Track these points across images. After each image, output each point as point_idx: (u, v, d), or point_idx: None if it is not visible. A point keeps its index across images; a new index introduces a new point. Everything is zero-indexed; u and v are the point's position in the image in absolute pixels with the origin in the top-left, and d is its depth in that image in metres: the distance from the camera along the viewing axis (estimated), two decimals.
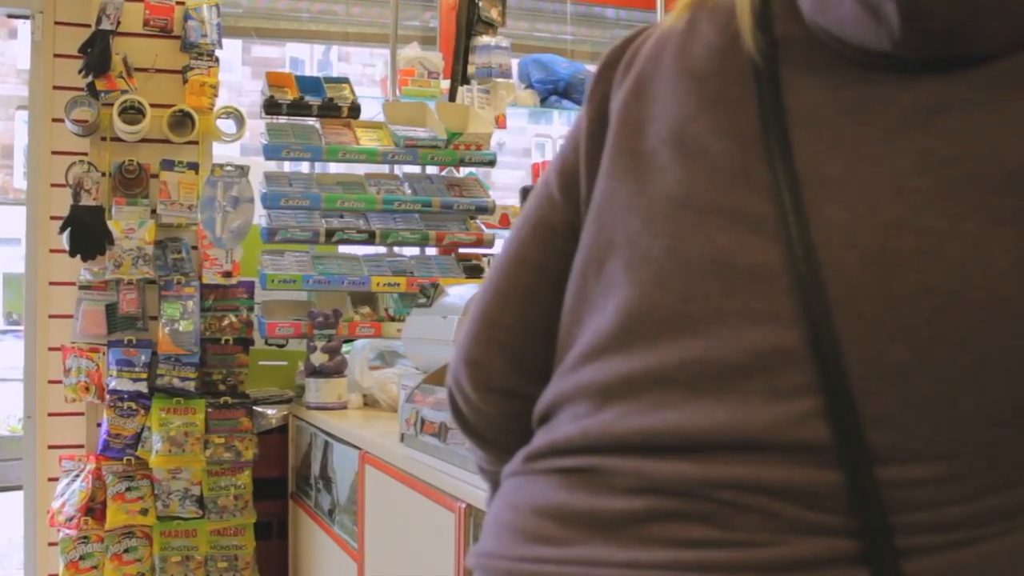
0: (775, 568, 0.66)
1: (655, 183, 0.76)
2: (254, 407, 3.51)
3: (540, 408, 0.84)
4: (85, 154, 3.73)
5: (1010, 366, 0.64)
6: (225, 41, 4.05)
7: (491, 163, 3.99)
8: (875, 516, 0.65)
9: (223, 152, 4.03)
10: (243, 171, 3.76)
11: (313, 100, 3.87)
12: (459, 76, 4.65)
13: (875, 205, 0.66)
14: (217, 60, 3.85)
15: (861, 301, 0.66)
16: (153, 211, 3.73)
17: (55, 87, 3.78)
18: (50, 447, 3.75)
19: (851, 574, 0.65)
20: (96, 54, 3.63)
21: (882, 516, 0.65)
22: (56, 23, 3.81)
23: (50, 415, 3.76)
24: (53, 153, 3.79)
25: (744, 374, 0.69)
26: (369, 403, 3.23)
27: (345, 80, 4.14)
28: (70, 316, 3.73)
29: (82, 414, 3.76)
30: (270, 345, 3.57)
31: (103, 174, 3.70)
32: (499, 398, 0.92)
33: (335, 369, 3.21)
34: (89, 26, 3.68)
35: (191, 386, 3.48)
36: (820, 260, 0.67)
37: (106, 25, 3.65)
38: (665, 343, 0.72)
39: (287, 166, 4.11)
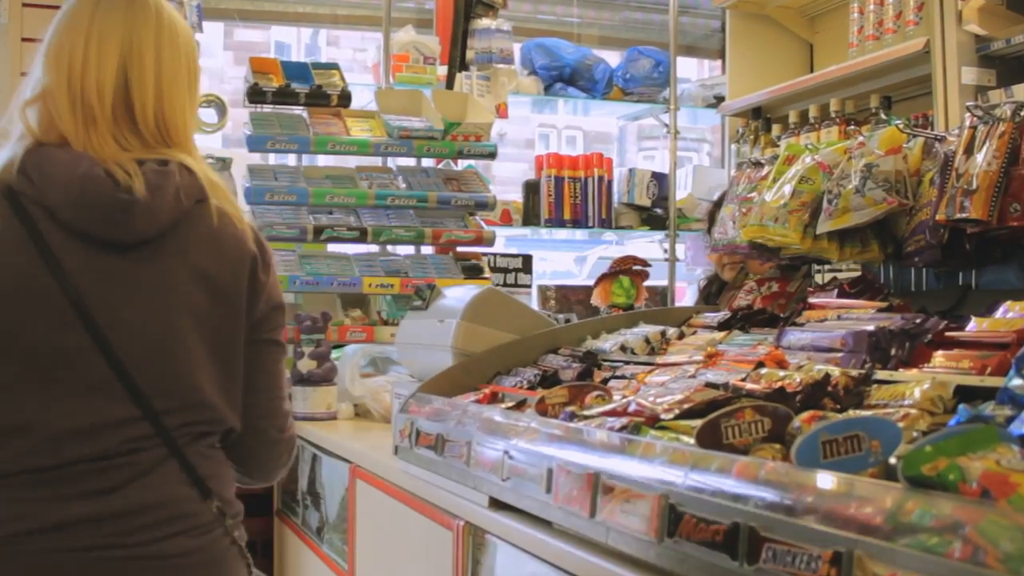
0: None
1: None
2: None
3: None
4: None
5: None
6: (206, 24, 4.05)
7: (491, 155, 3.99)
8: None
9: (203, 143, 4.02)
10: (225, 164, 3.76)
11: (300, 87, 3.86)
12: (457, 62, 4.65)
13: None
14: (198, 45, 3.85)
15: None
16: None
17: (23, 74, 3.78)
18: None
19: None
20: None
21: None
22: (24, 4, 3.82)
23: None
24: None
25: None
26: (360, 413, 3.23)
27: (334, 66, 4.14)
28: None
29: None
30: None
31: None
32: None
33: (324, 377, 3.20)
34: (59, 8, 3.69)
35: None
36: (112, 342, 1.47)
37: None
38: None
39: (272, 158, 4.11)
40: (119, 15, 1.54)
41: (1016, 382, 1.25)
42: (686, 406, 1.48)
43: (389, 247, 3.88)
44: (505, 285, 4.60)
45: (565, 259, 9.96)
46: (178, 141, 1.54)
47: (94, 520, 1.42)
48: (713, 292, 3.90)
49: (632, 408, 1.55)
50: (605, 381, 2.01)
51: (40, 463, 1.42)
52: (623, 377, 2.01)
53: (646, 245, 5.36)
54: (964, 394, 1.37)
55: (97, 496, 1.42)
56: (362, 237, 3.65)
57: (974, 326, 1.59)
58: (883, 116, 3.72)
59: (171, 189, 1.47)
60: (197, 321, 1.50)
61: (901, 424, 1.25)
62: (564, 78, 5.21)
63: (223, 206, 1.54)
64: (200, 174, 1.53)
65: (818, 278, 2.72)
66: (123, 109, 1.51)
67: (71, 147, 1.48)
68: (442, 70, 4.66)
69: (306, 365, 3.19)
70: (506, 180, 6.81)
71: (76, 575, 1.41)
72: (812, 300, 2.10)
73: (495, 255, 4.59)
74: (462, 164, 4.31)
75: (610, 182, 5.11)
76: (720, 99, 5.23)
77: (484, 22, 4.75)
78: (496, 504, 1.73)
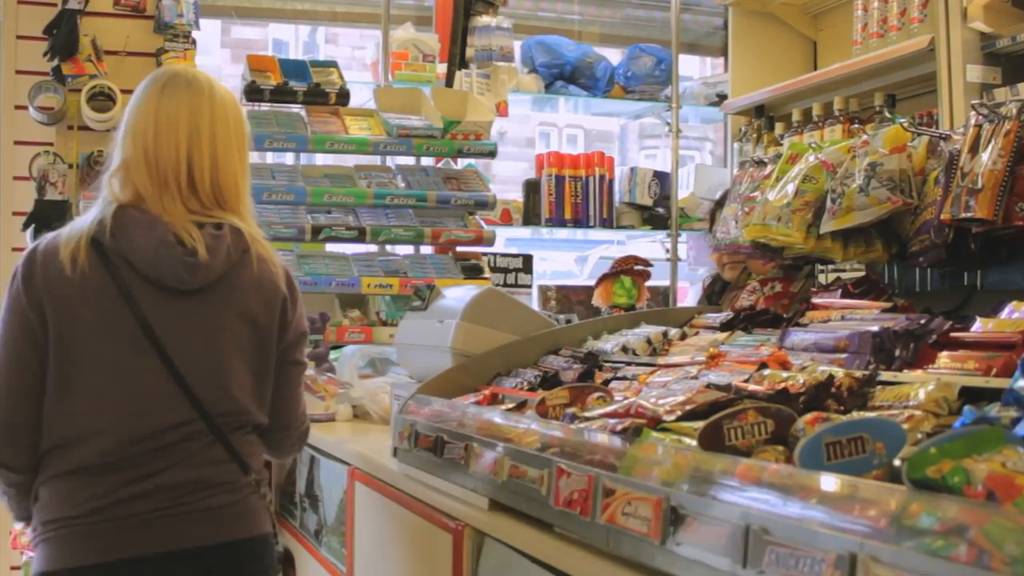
0: None
1: None
2: None
3: None
4: (51, 144, 3.74)
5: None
6: (203, 21, 4.06)
7: (491, 154, 3.99)
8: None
9: None
10: None
11: (298, 85, 3.87)
12: (457, 59, 4.65)
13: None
14: (194, 42, 3.86)
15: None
16: None
17: (18, 71, 3.79)
18: None
19: None
20: (62, 36, 3.64)
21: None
22: (19, 1, 3.82)
23: None
24: (15, 143, 3.80)
25: None
26: (359, 415, 3.23)
27: (333, 64, 4.15)
28: None
29: None
30: None
31: (70, 166, 3.71)
32: None
33: None
34: (55, 5, 3.69)
35: None
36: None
37: (73, 4, 3.66)
38: None
39: (270, 157, 4.11)
40: (181, 98, 1.97)
41: (1022, 383, 1.25)
42: (688, 408, 1.48)
43: (388, 247, 3.88)
44: (505, 285, 4.60)
45: (566, 259, 9.96)
46: (231, 203, 1.99)
47: (154, 492, 1.86)
48: (716, 291, 3.90)
49: (634, 410, 1.55)
50: (606, 382, 2.01)
51: (116, 458, 1.86)
52: (624, 378, 2.01)
53: (648, 245, 5.36)
54: (969, 395, 1.37)
55: (157, 475, 1.87)
56: (361, 237, 3.65)
57: (979, 327, 1.59)
58: (887, 114, 3.73)
59: (223, 249, 1.94)
60: (239, 348, 1.96)
61: (905, 426, 1.25)
62: (565, 76, 5.21)
63: (261, 252, 2.02)
64: (245, 232, 1.99)
65: (821, 278, 2.72)
66: (187, 177, 1.94)
67: (147, 208, 1.92)
68: (441, 68, 4.66)
69: None
70: (506, 179, 6.82)
71: (144, 531, 1.85)
72: (815, 300, 2.10)
73: (495, 255, 4.59)
74: (462, 163, 4.31)
75: (611, 181, 5.11)
76: (722, 97, 5.24)
77: (484, 19, 4.76)
78: (496, 506, 1.73)
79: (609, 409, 1.64)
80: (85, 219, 1.95)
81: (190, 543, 1.89)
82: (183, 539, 1.88)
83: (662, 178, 5.20)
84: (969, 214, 1.80)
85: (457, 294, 2.71)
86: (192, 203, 1.94)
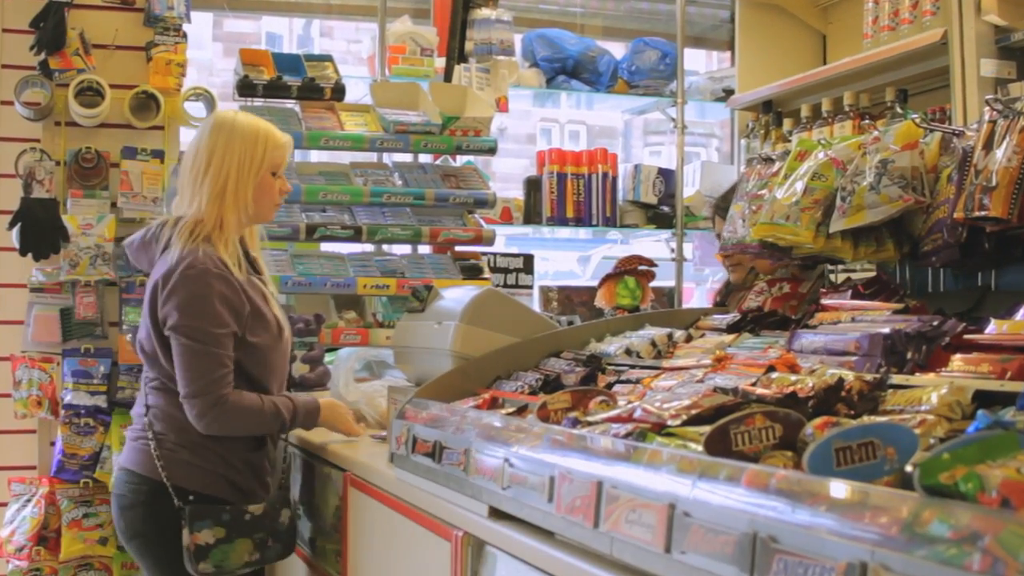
0: None
1: None
2: None
3: None
4: (37, 140, 3.74)
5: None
6: (194, 14, 4.06)
7: (491, 151, 3.99)
8: None
9: (191, 138, 4.03)
10: None
11: (292, 80, 3.87)
12: (455, 53, 4.65)
13: None
14: (185, 36, 3.86)
15: None
16: (113, 204, 3.73)
17: (4, 66, 3.79)
18: None
19: None
20: (49, 29, 3.64)
21: None
22: None
23: None
24: (1, 139, 3.80)
25: None
26: (355, 419, 3.22)
27: (328, 58, 4.15)
28: (20, 322, 3.73)
29: (34, 431, 3.76)
30: None
31: (57, 163, 3.71)
32: None
33: (317, 381, 3.20)
34: None
35: None
36: None
37: None
38: None
39: None
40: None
41: None
42: (694, 412, 1.48)
43: (385, 246, 3.88)
44: (505, 286, 4.60)
45: (568, 259, 9.97)
46: None
47: None
48: (726, 293, 3.90)
49: (638, 414, 1.55)
50: (609, 386, 2.01)
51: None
52: (628, 382, 2.01)
53: (652, 244, 5.36)
54: (983, 399, 1.37)
55: None
56: (357, 236, 3.65)
57: (994, 328, 1.59)
58: (899, 110, 3.72)
59: None
60: None
61: (917, 431, 1.25)
62: (567, 70, 5.21)
63: None
64: None
65: (831, 278, 2.72)
66: None
67: None
68: (440, 62, 4.66)
69: (299, 369, 3.19)
70: (506, 177, 6.82)
71: None
72: (825, 301, 2.10)
73: (495, 255, 4.60)
74: (461, 160, 4.31)
75: (615, 179, 5.11)
76: (729, 92, 5.24)
77: (484, 12, 4.75)
78: (496, 514, 1.73)
79: (612, 414, 1.64)
80: None
81: None
82: None
83: (667, 175, 5.20)
84: (983, 212, 1.80)
85: (456, 295, 2.71)
86: None
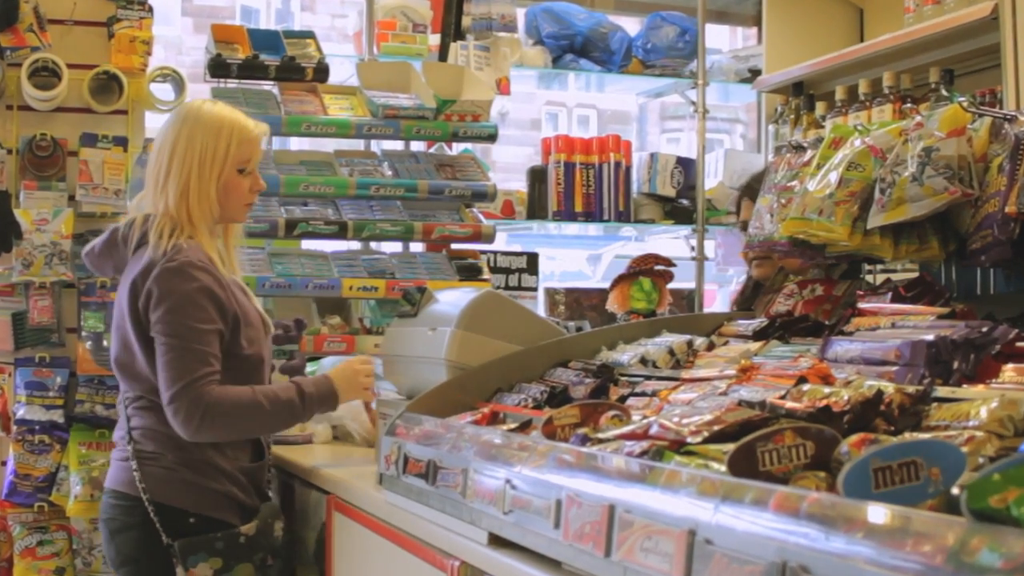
0: None
1: None
2: None
3: None
4: None
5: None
6: None
7: (491, 138, 4.00)
8: None
9: (158, 123, 4.03)
10: None
11: (270, 59, 3.87)
12: (451, 29, 4.66)
13: None
14: (151, 10, 3.86)
15: None
16: (71, 197, 3.73)
17: None
18: None
19: None
20: (0, 3, 3.64)
21: None
22: None
23: None
24: None
25: None
26: (340, 436, 3.23)
27: (310, 34, 4.15)
28: None
29: None
30: None
31: (9, 151, 3.71)
32: None
33: None
34: None
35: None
36: None
37: None
38: None
39: None
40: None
41: None
42: (716, 428, 1.48)
43: (373, 244, 3.88)
44: (507, 288, 4.61)
45: (576, 258, 9.99)
46: None
47: None
48: (748, 296, 3.90)
49: (654, 430, 1.56)
50: (622, 399, 2.01)
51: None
52: (643, 394, 2.02)
53: (670, 242, 5.36)
54: None
55: None
56: (341, 232, 3.66)
57: None
58: (944, 92, 3.73)
59: None
60: None
61: (965, 449, 1.26)
62: (575, 48, 5.22)
63: None
64: None
65: (869, 279, 2.72)
66: None
67: None
68: (434, 39, 4.67)
69: (277, 380, 3.19)
70: (508, 166, 6.84)
71: None
72: (862, 305, 2.10)
73: (495, 253, 4.60)
74: (457, 148, 4.32)
75: (628, 169, 5.12)
76: (756, 73, 5.24)
77: None
78: (497, 541, 1.73)
79: (626, 430, 1.65)
80: None
81: None
82: None
83: (686, 165, 5.21)
84: None
85: (452, 298, 2.71)
86: None
